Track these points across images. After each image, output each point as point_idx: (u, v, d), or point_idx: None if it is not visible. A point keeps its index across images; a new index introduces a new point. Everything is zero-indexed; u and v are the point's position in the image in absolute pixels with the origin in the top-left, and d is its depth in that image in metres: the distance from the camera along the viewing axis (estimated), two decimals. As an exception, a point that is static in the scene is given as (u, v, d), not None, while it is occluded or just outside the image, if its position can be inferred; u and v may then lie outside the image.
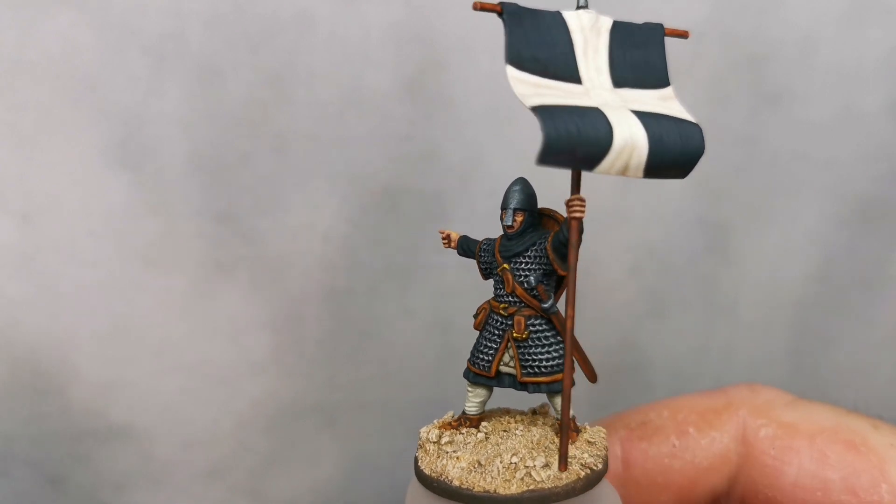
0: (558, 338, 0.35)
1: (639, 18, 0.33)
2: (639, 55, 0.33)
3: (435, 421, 0.37)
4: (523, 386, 0.35)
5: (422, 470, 0.34)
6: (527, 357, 0.35)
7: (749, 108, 0.60)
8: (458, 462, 0.33)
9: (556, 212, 0.36)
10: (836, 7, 0.59)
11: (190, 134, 0.51)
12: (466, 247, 0.38)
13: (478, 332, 0.37)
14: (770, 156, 0.61)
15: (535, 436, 0.35)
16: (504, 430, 0.36)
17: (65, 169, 0.50)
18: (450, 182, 0.56)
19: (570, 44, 0.32)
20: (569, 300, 0.32)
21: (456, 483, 0.32)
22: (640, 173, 0.31)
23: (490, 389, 0.36)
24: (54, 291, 0.52)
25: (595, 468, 0.34)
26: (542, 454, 0.34)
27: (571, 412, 0.34)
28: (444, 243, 0.39)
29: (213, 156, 0.52)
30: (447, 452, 0.34)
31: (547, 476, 0.33)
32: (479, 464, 0.33)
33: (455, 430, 0.35)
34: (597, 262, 0.61)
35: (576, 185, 0.33)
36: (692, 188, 0.61)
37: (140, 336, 0.54)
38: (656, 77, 0.33)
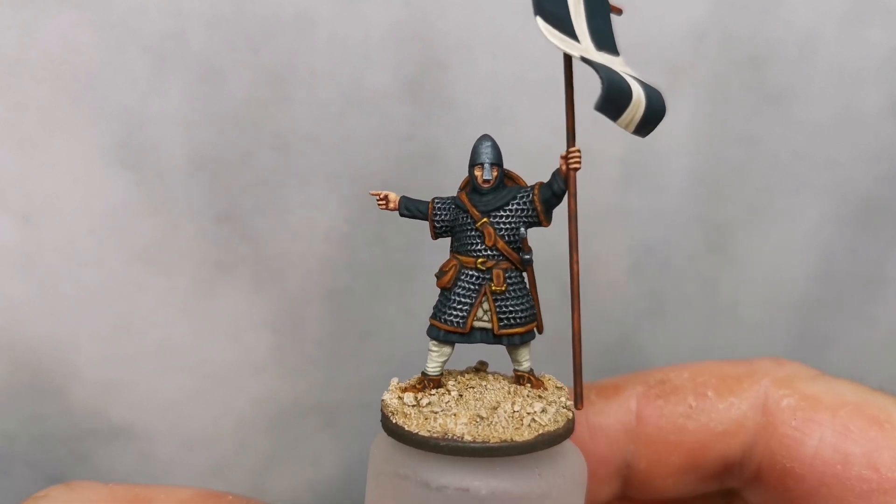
0: (528, 289, 0.36)
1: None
2: (601, 24, 0.35)
3: (392, 385, 0.36)
4: (497, 339, 0.36)
5: (415, 433, 0.33)
6: (504, 309, 0.35)
7: (749, 108, 0.60)
8: (457, 419, 0.33)
9: (515, 174, 0.37)
10: (836, 7, 0.59)
11: (190, 134, 0.51)
12: (414, 207, 0.37)
13: (441, 290, 0.36)
14: (770, 156, 0.61)
15: (503, 388, 0.35)
16: (470, 387, 0.35)
17: (65, 169, 0.50)
18: (450, 182, 0.56)
19: (566, 5, 0.34)
20: (572, 245, 0.35)
21: (468, 438, 0.32)
22: (633, 128, 0.32)
23: (453, 348, 0.36)
24: (55, 291, 0.52)
25: (572, 410, 0.35)
26: (537, 401, 0.34)
27: (528, 364, 0.36)
28: (381, 204, 0.37)
29: (214, 156, 0.52)
30: (435, 413, 0.33)
31: (548, 420, 0.34)
32: (481, 417, 0.33)
33: (424, 392, 0.35)
34: (597, 262, 0.61)
35: (572, 138, 0.34)
36: (692, 188, 0.61)
37: (141, 336, 0.54)
38: (613, 46, 0.35)
